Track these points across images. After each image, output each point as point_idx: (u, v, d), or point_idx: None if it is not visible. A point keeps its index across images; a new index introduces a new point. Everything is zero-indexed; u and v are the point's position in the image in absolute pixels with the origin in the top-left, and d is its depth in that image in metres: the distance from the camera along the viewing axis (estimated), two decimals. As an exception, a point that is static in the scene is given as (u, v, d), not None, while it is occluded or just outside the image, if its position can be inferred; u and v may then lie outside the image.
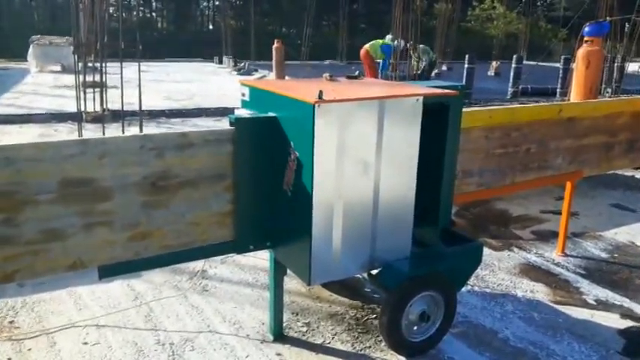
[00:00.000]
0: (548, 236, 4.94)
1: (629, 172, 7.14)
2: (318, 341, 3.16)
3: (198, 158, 2.59)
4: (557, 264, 4.39)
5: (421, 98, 2.73)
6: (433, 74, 13.44)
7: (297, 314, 3.43)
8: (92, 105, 9.44)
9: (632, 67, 12.00)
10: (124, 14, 27.08)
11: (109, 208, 2.43)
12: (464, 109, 3.14)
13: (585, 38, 6.83)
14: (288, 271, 3.03)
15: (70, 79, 11.88)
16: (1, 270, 2.27)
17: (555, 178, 4.30)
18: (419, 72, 12.84)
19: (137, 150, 2.44)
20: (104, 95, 9.25)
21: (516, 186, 4.03)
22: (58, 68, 16.98)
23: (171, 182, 2.55)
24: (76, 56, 9.29)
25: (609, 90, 12.19)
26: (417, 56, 12.61)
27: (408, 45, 12.19)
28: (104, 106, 9.28)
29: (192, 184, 2.61)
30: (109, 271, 2.57)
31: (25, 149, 2.23)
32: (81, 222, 2.38)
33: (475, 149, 3.63)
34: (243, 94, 3.05)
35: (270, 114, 2.75)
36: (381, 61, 12.43)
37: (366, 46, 12.30)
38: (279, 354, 3.02)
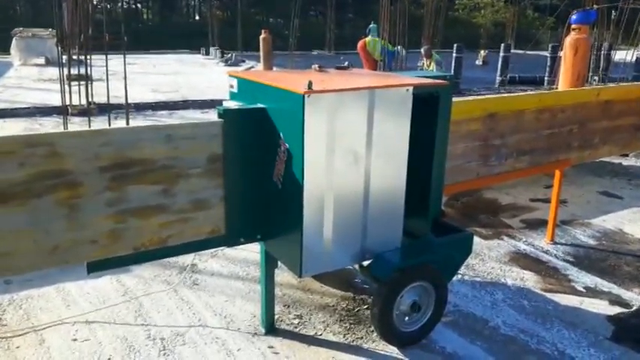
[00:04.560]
0: (538, 224, 4.97)
1: (616, 160, 7.20)
2: (310, 333, 3.15)
3: None
4: (547, 252, 4.42)
5: (411, 88, 2.72)
6: None
7: (288, 306, 3.42)
8: (77, 98, 9.30)
9: (619, 54, 12.06)
10: (108, 5, 26.70)
11: None
12: (511, 95, 3.36)
13: (573, 26, 6.84)
14: (279, 263, 3.02)
15: (54, 72, 11.70)
16: (157, 235, 2.56)
17: (545, 167, 4.33)
18: None
19: None
20: (90, 88, 9.11)
21: (511, 174, 4.07)
22: (42, 61, 16.68)
23: None
24: (59, 49, 9.13)
25: (596, 78, 12.27)
26: (428, 63, 11.79)
27: (422, 50, 11.70)
28: (90, 100, 9.15)
29: None
30: (97, 267, 2.54)
31: (182, 128, 2.53)
32: (221, 194, 2.66)
33: (527, 130, 3.93)
34: (232, 86, 3.01)
35: (259, 105, 2.72)
36: (380, 59, 11.88)
37: (367, 39, 11.97)
38: (271, 347, 3.01)
